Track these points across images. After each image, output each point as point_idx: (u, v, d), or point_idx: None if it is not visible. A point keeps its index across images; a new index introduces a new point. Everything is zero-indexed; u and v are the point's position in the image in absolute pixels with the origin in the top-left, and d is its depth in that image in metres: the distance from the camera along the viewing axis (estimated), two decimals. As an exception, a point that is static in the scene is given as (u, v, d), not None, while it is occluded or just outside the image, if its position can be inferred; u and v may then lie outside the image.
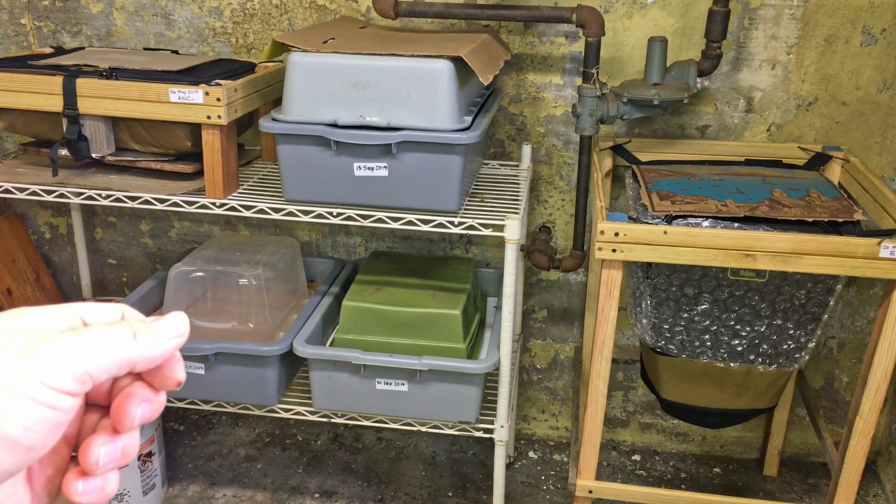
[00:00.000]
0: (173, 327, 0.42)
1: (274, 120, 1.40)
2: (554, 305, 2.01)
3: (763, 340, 1.46)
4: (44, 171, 1.58)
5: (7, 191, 1.53)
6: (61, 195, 1.52)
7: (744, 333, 1.46)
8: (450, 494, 1.94)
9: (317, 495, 1.93)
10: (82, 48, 1.77)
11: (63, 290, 2.16)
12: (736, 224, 1.35)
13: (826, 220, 1.36)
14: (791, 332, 1.45)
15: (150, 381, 0.42)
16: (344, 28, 1.61)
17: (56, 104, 1.45)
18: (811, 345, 1.47)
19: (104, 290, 2.15)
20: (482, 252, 1.98)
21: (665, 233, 1.30)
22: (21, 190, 1.53)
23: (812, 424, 1.75)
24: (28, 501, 0.41)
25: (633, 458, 2.10)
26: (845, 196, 1.47)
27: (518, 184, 1.67)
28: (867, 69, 1.69)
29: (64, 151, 1.52)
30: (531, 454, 2.11)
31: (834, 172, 1.66)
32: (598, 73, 1.57)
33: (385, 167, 1.40)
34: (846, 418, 1.43)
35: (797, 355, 1.48)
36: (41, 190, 1.52)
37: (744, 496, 1.89)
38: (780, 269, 1.30)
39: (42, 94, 1.45)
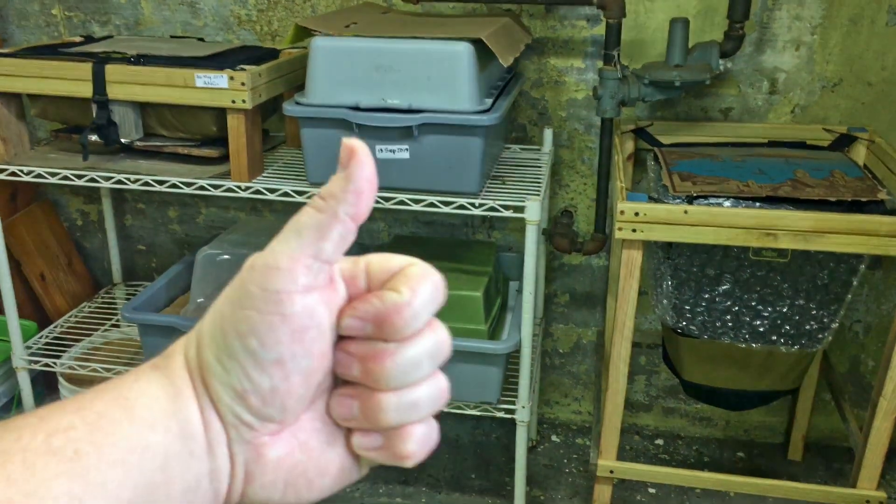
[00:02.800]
0: (342, 158, 0.35)
1: (297, 104, 1.43)
2: (576, 290, 2.02)
3: (785, 321, 1.46)
4: (74, 157, 1.61)
5: (39, 175, 1.57)
6: (91, 179, 1.55)
7: (766, 314, 1.46)
8: (472, 476, 1.96)
9: (342, 476, 1.96)
10: (111, 37, 1.80)
11: (94, 276, 2.21)
12: (758, 204, 1.35)
13: (849, 199, 1.35)
14: (813, 312, 1.45)
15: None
16: (366, 13, 1.63)
17: (86, 90, 1.49)
18: (834, 325, 1.46)
19: (134, 276, 2.19)
20: (504, 237, 1.99)
21: (685, 212, 1.30)
22: (53, 175, 1.57)
23: (837, 408, 1.74)
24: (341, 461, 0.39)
25: (656, 442, 2.10)
26: (870, 176, 1.46)
27: (540, 167, 1.68)
28: (893, 49, 1.67)
29: (94, 137, 1.55)
30: (554, 438, 2.12)
31: (859, 154, 1.64)
32: (619, 55, 1.57)
33: (406, 149, 1.41)
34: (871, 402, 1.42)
35: (820, 336, 1.47)
36: (72, 174, 1.56)
37: (768, 479, 1.89)
38: (802, 248, 1.30)
39: (72, 80, 1.49)
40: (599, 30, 1.75)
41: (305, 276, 0.35)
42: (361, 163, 0.35)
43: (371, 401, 0.37)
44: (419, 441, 0.38)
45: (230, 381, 0.35)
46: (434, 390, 0.37)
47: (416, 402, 0.37)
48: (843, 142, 1.65)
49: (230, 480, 0.37)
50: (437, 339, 0.37)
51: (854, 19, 1.66)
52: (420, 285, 0.36)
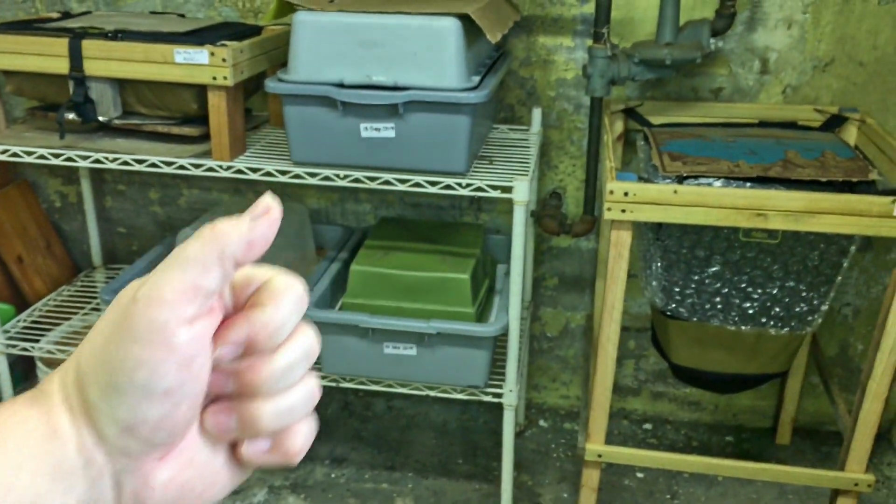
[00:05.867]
0: (255, 209, 0.36)
1: (280, 80, 1.39)
2: (565, 273, 2.00)
3: (775, 303, 1.44)
4: (51, 136, 1.57)
5: (15, 154, 1.53)
6: (69, 159, 1.51)
7: (756, 296, 1.44)
8: (460, 461, 1.95)
9: (327, 462, 1.93)
10: (89, 12, 1.76)
11: (74, 259, 2.17)
12: (748, 184, 1.33)
13: (840, 179, 1.33)
14: (804, 294, 1.43)
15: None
16: (351, -11, 1.59)
17: (62, 66, 1.45)
18: (824, 308, 1.45)
19: (114, 259, 2.15)
20: (493, 219, 1.96)
21: (675, 192, 1.28)
22: (29, 153, 1.53)
23: (826, 391, 1.73)
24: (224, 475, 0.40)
25: (645, 426, 2.09)
26: (861, 156, 1.44)
27: (528, 147, 1.65)
28: (886, 28, 1.65)
29: (71, 115, 1.51)
30: (541, 423, 2.10)
31: (850, 134, 1.63)
32: (608, 32, 1.54)
33: (392, 128, 1.38)
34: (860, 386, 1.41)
35: (810, 318, 1.46)
36: (48, 153, 1.52)
37: (755, 462, 1.88)
38: (793, 229, 1.28)
39: (48, 56, 1.44)
40: (589, 7, 1.72)
41: (190, 306, 0.34)
42: (269, 222, 0.36)
43: (249, 412, 0.37)
44: (305, 438, 0.39)
45: (117, 416, 0.35)
46: (308, 391, 0.39)
47: (293, 406, 0.38)
48: (835, 122, 1.64)
49: None
50: (307, 343, 0.39)
51: (847, -2, 1.64)
52: (284, 298, 0.37)
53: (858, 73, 1.69)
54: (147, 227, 2.11)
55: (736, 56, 1.72)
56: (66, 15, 1.70)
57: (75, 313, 1.90)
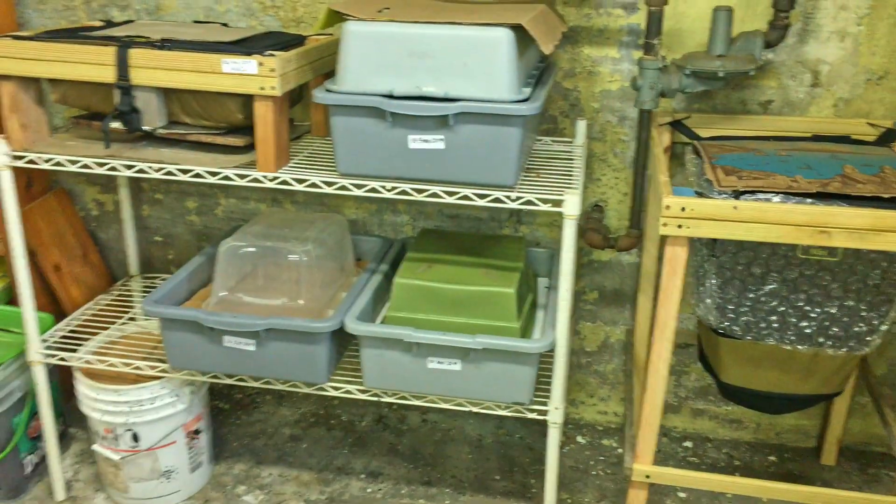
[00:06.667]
0: None
1: (328, 91, 1.37)
2: (605, 287, 1.97)
3: (833, 322, 1.40)
4: (94, 144, 1.56)
5: (58, 163, 1.52)
6: (112, 168, 1.50)
7: (813, 315, 1.40)
8: (497, 478, 1.91)
9: (363, 476, 1.91)
10: (132, 21, 1.75)
11: (110, 267, 2.16)
12: (809, 200, 1.29)
13: (904, 196, 1.29)
14: (863, 313, 1.39)
15: None
16: (397, -2, 1.57)
17: (109, 75, 1.44)
18: (884, 327, 1.41)
19: (150, 268, 2.14)
20: (532, 232, 1.93)
21: (735, 208, 1.25)
22: (73, 162, 1.52)
23: (877, 412, 1.68)
24: None
25: (685, 444, 2.05)
26: (922, 172, 1.40)
27: (572, 160, 1.62)
28: (943, 41, 1.61)
29: (116, 124, 1.50)
30: (579, 439, 2.06)
31: (906, 149, 1.58)
32: (660, 44, 1.52)
33: (441, 139, 1.36)
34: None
35: (868, 338, 1.42)
36: (93, 162, 1.51)
37: (802, 485, 1.83)
38: (857, 247, 1.24)
39: (95, 64, 1.43)
40: (636, 18, 1.69)
41: None
42: None
43: None
44: None
45: None
46: None
47: None
48: (890, 136, 1.60)
49: None
50: None
51: (903, 10, 1.60)
52: None
53: (914, 87, 1.65)
54: (183, 236, 2.10)
55: (786, 68, 1.68)
56: (109, 24, 1.70)
57: (113, 323, 1.88)
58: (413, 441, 2.04)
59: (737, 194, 1.32)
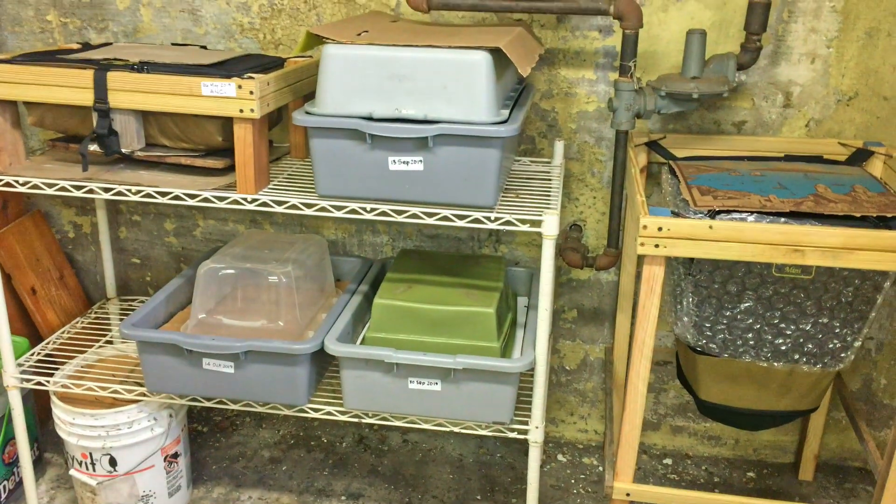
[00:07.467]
0: None
1: (307, 113, 1.38)
2: (584, 306, 1.98)
3: (808, 339, 1.42)
4: (71, 167, 1.56)
5: (36, 186, 1.51)
6: (90, 191, 1.49)
7: (788, 332, 1.42)
8: (478, 498, 1.91)
9: (343, 497, 1.90)
10: (110, 44, 1.75)
11: (87, 290, 2.14)
12: (782, 219, 1.32)
13: (875, 215, 1.32)
14: (837, 330, 1.41)
15: None
16: (376, 22, 1.59)
17: (87, 98, 1.43)
18: (857, 344, 1.43)
19: (128, 290, 2.13)
20: (511, 251, 1.95)
21: (710, 227, 1.27)
22: (50, 185, 1.51)
23: (853, 427, 1.70)
24: None
25: (665, 461, 2.06)
26: (892, 191, 1.43)
27: (551, 180, 1.64)
28: (909, 63, 1.66)
29: (93, 147, 1.49)
30: (560, 457, 2.07)
31: (876, 168, 1.62)
32: (635, 66, 1.54)
33: (420, 161, 1.37)
34: (885, 422, 1.39)
35: (842, 354, 1.44)
36: (70, 185, 1.50)
37: (781, 500, 1.85)
38: (830, 265, 1.26)
39: (72, 87, 1.43)
40: (612, 41, 1.72)
41: None
42: None
43: None
44: None
45: None
46: None
47: None
48: (860, 156, 1.63)
49: None
50: None
51: (870, 32, 1.64)
52: None
53: (882, 108, 1.69)
54: (161, 257, 2.09)
55: (759, 89, 1.72)
56: (87, 46, 1.69)
57: (90, 346, 1.86)
58: (394, 462, 2.03)
59: (712, 214, 1.34)
